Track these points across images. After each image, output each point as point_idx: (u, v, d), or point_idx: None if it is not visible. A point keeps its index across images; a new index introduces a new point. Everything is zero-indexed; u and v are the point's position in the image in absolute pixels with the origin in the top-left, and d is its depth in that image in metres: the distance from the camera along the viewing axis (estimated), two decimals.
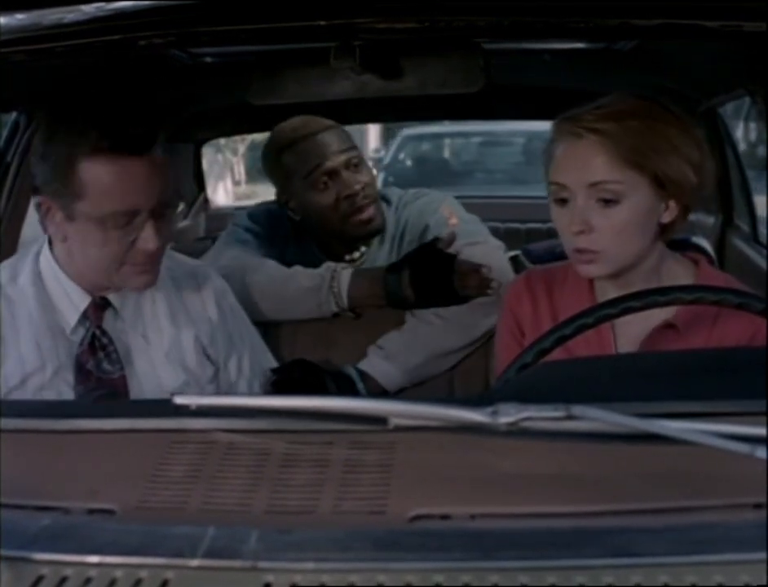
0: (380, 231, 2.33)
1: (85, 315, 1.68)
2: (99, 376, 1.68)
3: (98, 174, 1.53)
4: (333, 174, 2.25)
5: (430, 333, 2.16)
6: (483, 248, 2.21)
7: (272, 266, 2.23)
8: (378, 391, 2.12)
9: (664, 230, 1.59)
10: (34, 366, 1.65)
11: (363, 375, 2.14)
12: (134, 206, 1.56)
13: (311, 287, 2.18)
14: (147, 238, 1.58)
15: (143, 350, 1.74)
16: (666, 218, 1.57)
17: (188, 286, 1.81)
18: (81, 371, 1.67)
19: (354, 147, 2.31)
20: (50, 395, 1.65)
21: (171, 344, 1.76)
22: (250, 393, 1.89)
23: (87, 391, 1.67)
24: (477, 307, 2.13)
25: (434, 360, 2.18)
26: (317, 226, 2.33)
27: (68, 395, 1.67)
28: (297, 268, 2.23)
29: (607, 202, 1.52)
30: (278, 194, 2.37)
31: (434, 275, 2.09)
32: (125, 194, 1.55)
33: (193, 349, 1.78)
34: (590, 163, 1.52)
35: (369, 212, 2.28)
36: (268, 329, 2.21)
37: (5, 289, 1.69)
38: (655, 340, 1.60)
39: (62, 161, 1.54)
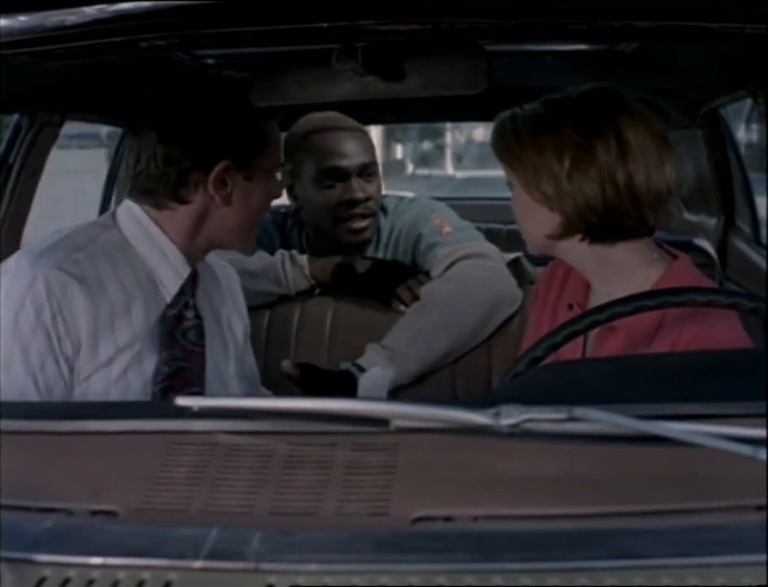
0: (367, 243, 2.34)
1: (184, 284, 1.70)
2: (184, 344, 1.70)
3: (272, 131, 1.77)
4: (343, 175, 2.27)
5: (432, 330, 2.16)
6: (479, 260, 2.24)
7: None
8: None
9: (594, 237, 1.60)
10: (127, 341, 1.62)
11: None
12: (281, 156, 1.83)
13: (267, 265, 2.25)
14: (281, 184, 1.83)
15: (212, 329, 1.78)
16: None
17: (223, 278, 1.89)
18: (169, 336, 1.68)
19: (373, 159, 2.33)
20: (135, 371, 1.62)
21: (227, 328, 1.82)
22: (256, 386, 1.95)
23: (172, 359, 1.67)
24: (479, 308, 2.15)
25: (439, 360, 2.19)
26: (311, 221, 2.36)
27: (152, 367, 1.64)
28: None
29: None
30: (286, 176, 2.37)
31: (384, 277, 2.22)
32: (280, 145, 1.83)
33: (242, 336, 1.87)
34: None
35: (362, 223, 2.30)
36: (269, 333, 2.23)
37: (88, 249, 1.62)
38: (597, 341, 1.63)
39: (251, 124, 1.72)
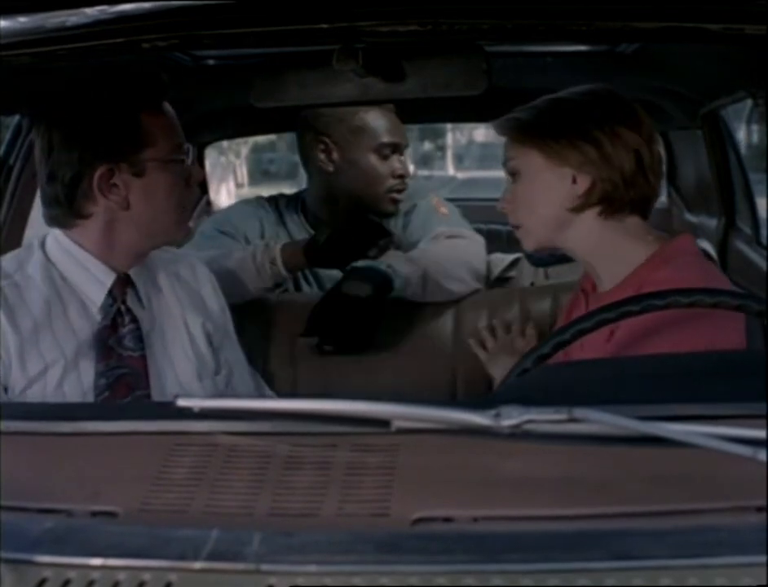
0: (393, 215, 2.48)
1: (110, 292, 1.70)
2: (120, 353, 1.69)
3: (158, 120, 1.69)
4: (398, 151, 2.44)
5: (419, 278, 2.26)
6: (463, 241, 2.37)
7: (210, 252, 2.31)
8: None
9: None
10: (54, 356, 1.65)
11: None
12: (182, 140, 1.74)
13: (246, 255, 2.27)
14: (197, 170, 1.79)
15: (161, 332, 1.76)
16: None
17: (187, 276, 1.86)
18: (102, 347, 1.68)
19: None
20: (71, 383, 1.65)
21: (184, 329, 1.79)
22: (243, 384, 1.93)
23: (109, 369, 1.67)
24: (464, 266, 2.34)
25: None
26: (350, 184, 2.43)
27: (89, 378, 1.66)
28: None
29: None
30: (320, 140, 2.44)
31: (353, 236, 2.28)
32: (176, 130, 1.73)
33: (202, 335, 1.82)
34: None
35: (401, 196, 2.45)
36: (269, 339, 2.24)
37: (14, 277, 1.69)
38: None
39: (128, 117, 1.65)
